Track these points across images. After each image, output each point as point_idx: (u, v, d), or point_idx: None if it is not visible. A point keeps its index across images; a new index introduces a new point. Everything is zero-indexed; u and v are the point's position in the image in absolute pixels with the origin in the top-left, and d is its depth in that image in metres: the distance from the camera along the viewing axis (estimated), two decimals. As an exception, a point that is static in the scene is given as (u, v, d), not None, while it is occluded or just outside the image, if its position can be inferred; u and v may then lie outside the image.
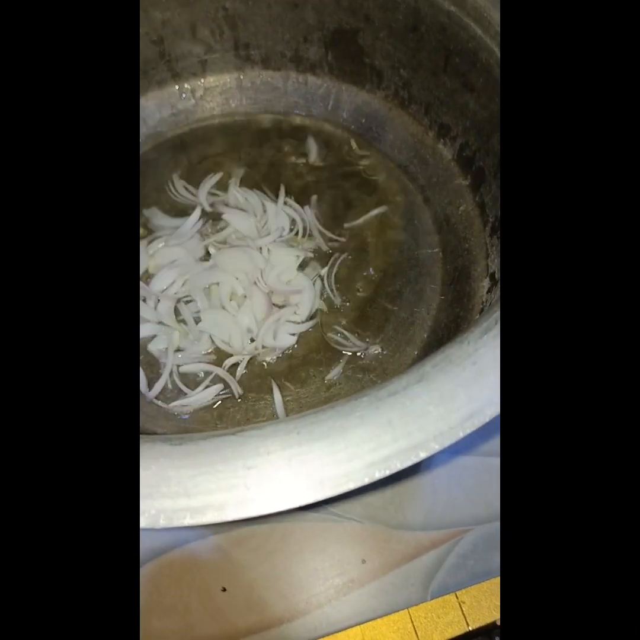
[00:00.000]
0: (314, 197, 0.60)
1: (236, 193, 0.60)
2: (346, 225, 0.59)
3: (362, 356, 0.52)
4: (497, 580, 0.51)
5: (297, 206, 0.59)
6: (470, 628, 0.50)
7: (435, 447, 0.23)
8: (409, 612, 0.50)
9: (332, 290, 0.55)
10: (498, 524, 0.52)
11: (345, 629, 0.49)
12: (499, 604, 0.51)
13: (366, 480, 0.22)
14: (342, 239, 0.58)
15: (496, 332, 0.26)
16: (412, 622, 0.51)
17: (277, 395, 0.50)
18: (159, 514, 0.22)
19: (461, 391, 0.24)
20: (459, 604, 0.51)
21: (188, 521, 0.22)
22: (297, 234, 0.58)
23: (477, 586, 0.51)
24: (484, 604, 0.51)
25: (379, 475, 0.22)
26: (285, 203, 0.59)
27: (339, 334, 0.53)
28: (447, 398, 0.24)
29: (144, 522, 0.21)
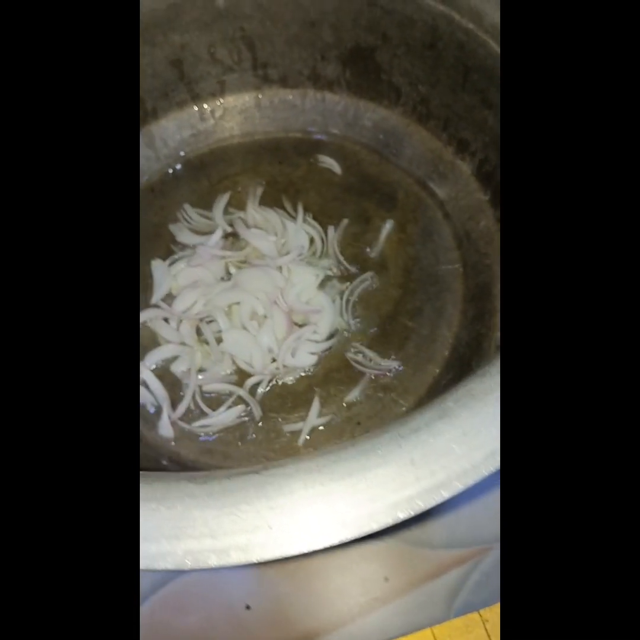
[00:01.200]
0: (345, 221, 0.61)
1: (254, 212, 0.60)
2: (368, 250, 0.59)
3: (382, 375, 0.52)
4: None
5: (315, 224, 0.60)
6: (494, 646, 0.50)
7: (459, 486, 0.23)
8: (432, 630, 0.50)
9: (348, 311, 0.55)
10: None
11: (370, 647, 0.49)
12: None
13: (389, 522, 0.22)
14: (355, 269, 0.58)
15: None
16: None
17: (314, 408, 0.51)
18: (186, 555, 0.22)
19: (484, 428, 0.24)
20: (483, 622, 0.50)
21: (213, 562, 0.22)
22: (314, 253, 0.58)
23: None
24: (509, 622, 0.50)
25: (402, 516, 0.22)
26: (304, 221, 0.60)
27: (359, 354, 0.53)
28: (470, 435, 0.24)
29: (171, 564, 0.22)
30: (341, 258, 0.58)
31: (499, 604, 0.50)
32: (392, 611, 0.50)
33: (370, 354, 0.53)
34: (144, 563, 0.22)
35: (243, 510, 0.23)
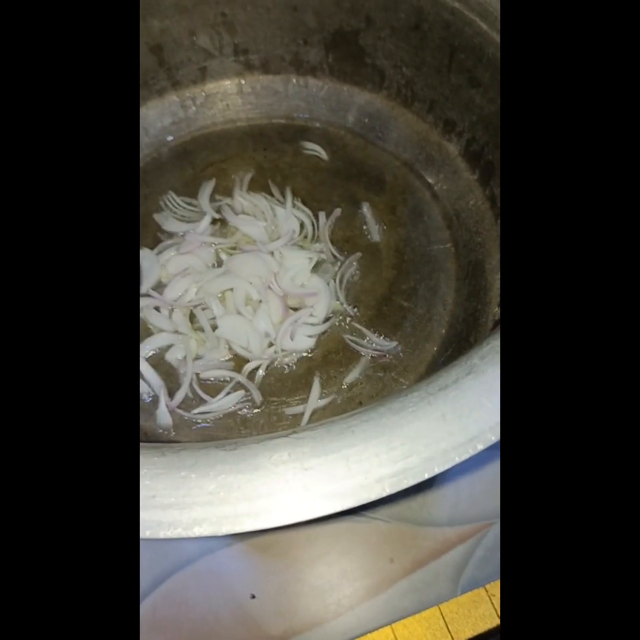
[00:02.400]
0: (336, 206, 0.60)
1: (241, 198, 0.60)
2: (367, 233, 0.59)
3: (382, 356, 0.52)
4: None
5: (305, 208, 0.59)
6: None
7: (492, 439, 0.23)
8: (439, 608, 0.50)
9: (343, 293, 0.55)
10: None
11: (377, 629, 0.49)
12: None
13: (426, 476, 0.22)
14: (342, 257, 0.58)
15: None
16: (443, 617, 0.50)
17: (315, 390, 0.50)
18: (221, 519, 0.21)
19: (513, 380, 0.24)
20: (489, 597, 0.51)
21: (250, 525, 0.21)
22: (306, 237, 0.58)
23: (507, 579, 0.51)
24: (514, 596, 0.50)
25: (438, 469, 0.22)
26: (293, 206, 0.59)
27: (357, 335, 0.53)
28: (498, 389, 0.24)
29: (207, 531, 0.21)
30: (330, 243, 0.57)
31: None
32: (398, 592, 0.50)
33: (368, 334, 0.53)
34: (179, 531, 0.21)
35: (276, 472, 0.22)
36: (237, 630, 0.49)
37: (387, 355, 0.52)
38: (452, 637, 0.50)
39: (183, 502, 0.22)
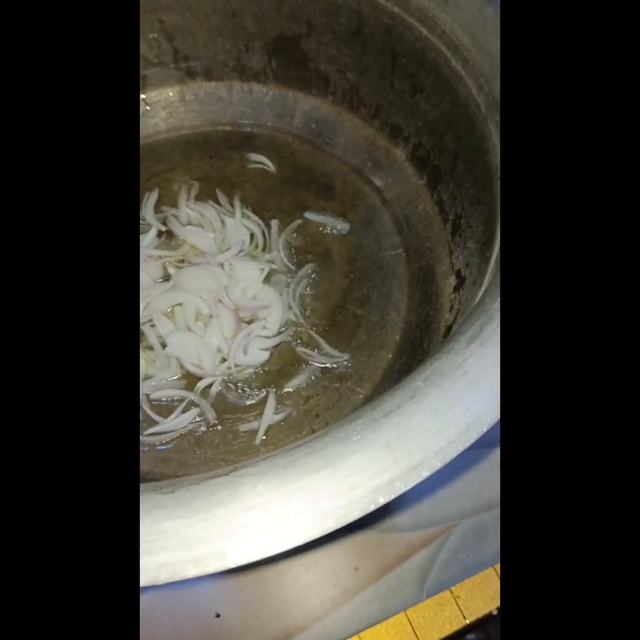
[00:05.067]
0: (297, 221, 0.60)
1: (188, 209, 0.58)
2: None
3: (336, 366, 0.52)
4: (490, 571, 0.51)
5: (255, 218, 0.58)
6: (467, 621, 0.50)
7: (437, 465, 0.23)
8: (406, 613, 0.50)
9: (297, 303, 0.54)
10: (484, 515, 0.53)
11: (345, 639, 0.49)
12: (492, 594, 0.51)
13: (372, 507, 0.22)
14: (294, 267, 0.57)
15: (482, 339, 0.26)
16: (410, 623, 0.51)
17: (270, 405, 0.49)
18: (160, 569, 0.21)
19: (456, 404, 0.24)
20: (455, 598, 0.51)
21: (191, 572, 0.21)
22: (257, 246, 0.57)
23: (471, 579, 0.51)
24: (479, 596, 0.51)
25: (383, 500, 0.22)
26: (243, 215, 0.58)
27: (309, 346, 0.53)
28: (443, 412, 0.24)
29: (144, 581, 0.20)
30: (282, 253, 0.56)
31: (469, 580, 0.51)
32: (364, 600, 0.50)
33: (322, 344, 0.52)
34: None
35: (217, 515, 0.21)
36: (203, 650, 0.48)
37: (334, 366, 0.52)
38: (419, 641, 0.50)
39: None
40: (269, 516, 0.21)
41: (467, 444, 0.23)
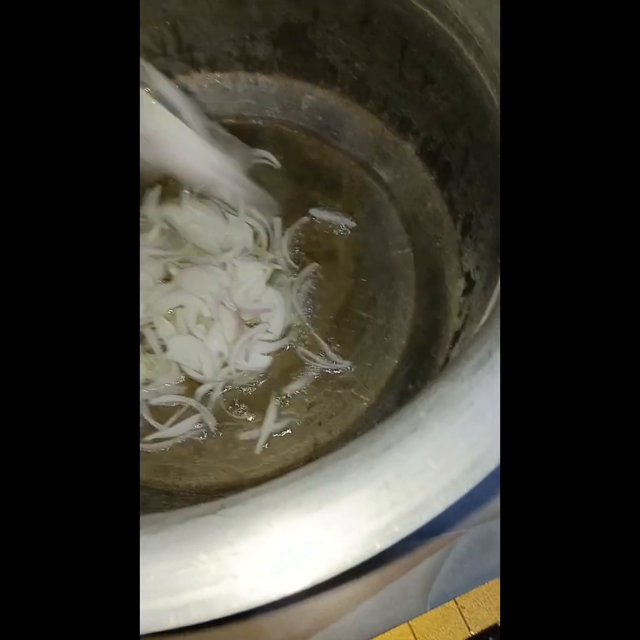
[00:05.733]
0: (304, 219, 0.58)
1: (191, 206, 0.56)
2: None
3: (339, 372, 0.50)
4: (495, 581, 0.50)
5: (259, 216, 0.56)
6: (472, 633, 0.49)
7: (439, 508, 0.21)
8: (409, 624, 0.49)
9: (301, 305, 0.52)
10: (490, 524, 0.52)
11: (347, 649, 0.48)
12: (497, 605, 0.50)
13: (366, 556, 0.20)
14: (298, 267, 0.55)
15: (490, 366, 0.24)
16: (413, 634, 0.50)
17: (271, 413, 0.48)
18: (140, 617, 0.19)
19: (460, 438, 0.22)
20: (459, 609, 0.50)
21: (173, 623, 0.19)
22: (260, 245, 0.55)
23: (475, 590, 0.50)
24: (484, 606, 0.50)
25: (379, 547, 0.20)
26: (246, 213, 0.56)
27: (312, 350, 0.51)
28: (447, 448, 0.22)
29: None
30: (286, 253, 0.55)
31: (474, 591, 0.50)
32: (367, 610, 0.49)
33: (325, 349, 0.51)
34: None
35: (202, 561, 0.20)
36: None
37: (341, 371, 0.50)
38: (423, 653, 0.49)
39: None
40: (257, 563, 0.20)
41: (472, 484, 0.22)
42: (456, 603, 0.50)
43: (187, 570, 0.20)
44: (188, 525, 0.21)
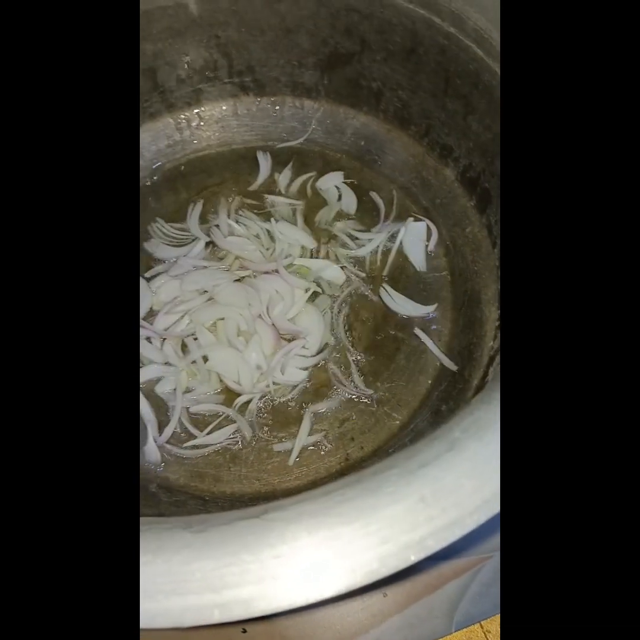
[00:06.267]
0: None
1: (232, 221, 0.59)
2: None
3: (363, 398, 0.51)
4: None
5: (307, 228, 0.58)
6: (496, 658, 0.49)
7: (471, 525, 0.22)
8: (434, 645, 0.49)
9: (338, 325, 0.54)
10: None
11: (370, 666, 0.48)
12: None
13: (401, 566, 0.21)
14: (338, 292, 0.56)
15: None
16: (437, 655, 0.50)
17: (305, 426, 0.49)
18: (185, 611, 0.21)
19: (494, 460, 0.23)
20: (485, 633, 0.50)
21: (217, 617, 0.21)
22: (303, 255, 0.57)
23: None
24: (510, 632, 0.49)
25: (414, 558, 0.21)
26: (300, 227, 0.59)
27: (342, 371, 0.52)
28: (481, 468, 0.23)
29: (171, 622, 0.20)
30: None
31: (499, 615, 0.50)
32: (392, 627, 0.49)
33: (353, 372, 0.52)
34: (142, 622, 0.21)
35: (245, 560, 0.21)
36: (228, 665, 0.48)
37: (364, 400, 0.51)
38: (446, 674, 0.49)
39: (145, 590, 0.21)
40: (297, 567, 0.21)
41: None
42: (481, 627, 0.50)
43: (230, 568, 0.21)
44: (232, 526, 0.23)
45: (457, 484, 0.23)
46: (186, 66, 0.62)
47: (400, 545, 0.22)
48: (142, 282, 0.55)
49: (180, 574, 0.21)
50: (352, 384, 0.51)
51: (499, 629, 0.50)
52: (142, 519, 0.24)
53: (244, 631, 0.49)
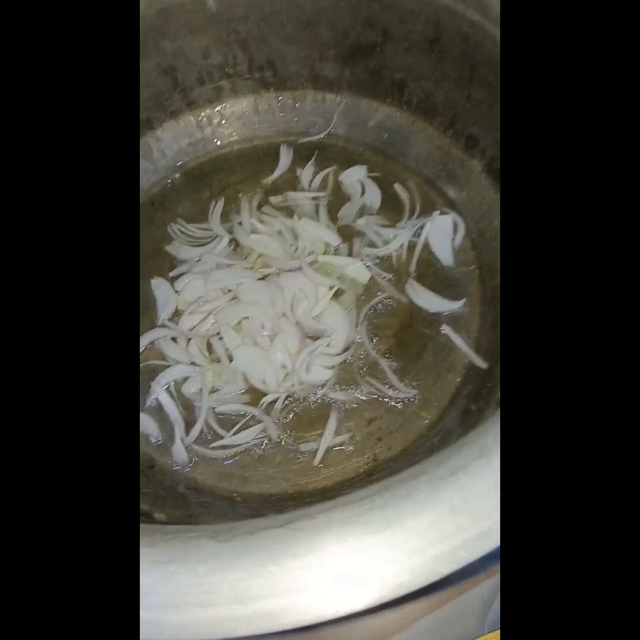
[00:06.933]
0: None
1: (254, 219, 0.58)
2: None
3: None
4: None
5: (331, 225, 0.58)
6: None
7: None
8: (464, 647, 0.49)
9: (364, 323, 0.53)
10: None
11: (401, 667, 0.47)
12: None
13: (431, 579, 0.21)
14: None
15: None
16: (468, 658, 0.49)
17: (331, 426, 0.48)
18: (212, 623, 0.20)
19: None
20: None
21: (244, 631, 0.20)
22: (326, 252, 0.56)
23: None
24: (544, 635, 0.48)
25: (445, 571, 0.21)
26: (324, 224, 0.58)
27: (373, 376, 0.51)
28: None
29: (197, 635, 0.20)
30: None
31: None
32: (422, 628, 0.49)
33: (387, 373, 0.51)
34: (168, 634, 0.20)
35: (272, 572, 0.21)
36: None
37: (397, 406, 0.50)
38: (478, 677, 0.48)
39: (171, 602, 0.21)
40: (325, 577, 0.21)
41: (538, 513, 0.21)
42: None
43: (257, 580, 0.21)
44: (258, 536, 0.22)
45: (488, 492, 0.22)
46: (206, 63, 0.61)
47: (431, 556, 0.21)
48: (166, 284, 0.55)
49: (206, 585, 0.21)
50: (379, 383, 0.51)
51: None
52: (167, 527, 0.23)
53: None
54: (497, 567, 0.50)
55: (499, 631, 0.48)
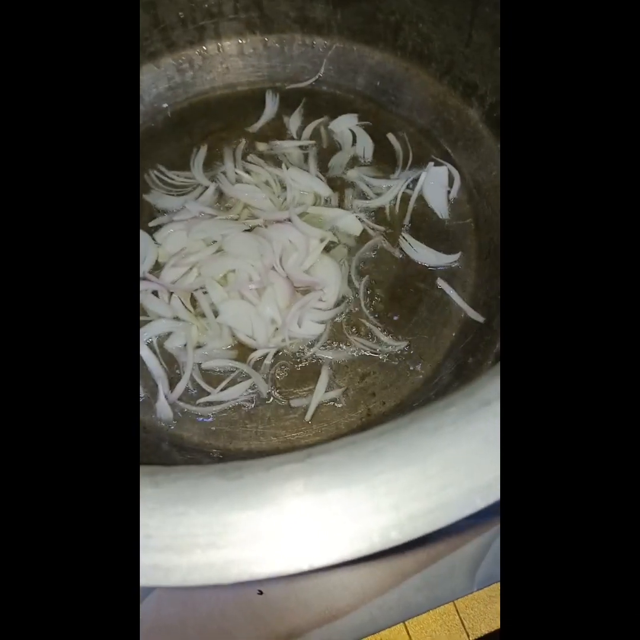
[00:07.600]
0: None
1: (239, 168, 0.55)
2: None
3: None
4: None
5: (318, 173, 0.55)
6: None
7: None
8: (454, 604, 0.48)
9: (356, 276, 0.51)
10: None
11: (389, 626, 0.47)
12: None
13: (466, 512, 0.19)
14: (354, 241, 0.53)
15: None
16: (458, 614, 0.49)
17: (322, 381, 0.47)
18: (229, 565, 0.18)
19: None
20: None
21: (264, 572, 0.18)
22: (316, 203, 0.54)
23: (525, 573, 0.48)
24: (532, 590, 0.48)
25: (481, 503, 0.19)
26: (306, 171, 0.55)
27: (363, 334, 0.49)
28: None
29: (213, 578, 0.18)
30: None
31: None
32: (413, 586, 0.48)
33: (377, 331, 0.49)
34: (179, 578, 0.18)
35: (292, 510, 0.19)
36: (244, 626, 0.47)
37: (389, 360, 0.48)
38: (467, 634, 0.48)
39: (182, 544, 0.18)
40: (349, 514, 0.19)
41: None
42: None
43: (273, 518, 0.19)
44: (272, 472, 0.20)
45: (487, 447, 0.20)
46: (188, 1, 0.57)
47: (465, 489, 0.19)
48: (145, 236, 0.52)
49: (218, 526, 0.19)
50: (374, 339, 0.49)
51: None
52: (173, 468, 0.21)
53: (260, 593, 0.47)
54: (487, 525, 0.50)
55: (487, 589, 0.48)
